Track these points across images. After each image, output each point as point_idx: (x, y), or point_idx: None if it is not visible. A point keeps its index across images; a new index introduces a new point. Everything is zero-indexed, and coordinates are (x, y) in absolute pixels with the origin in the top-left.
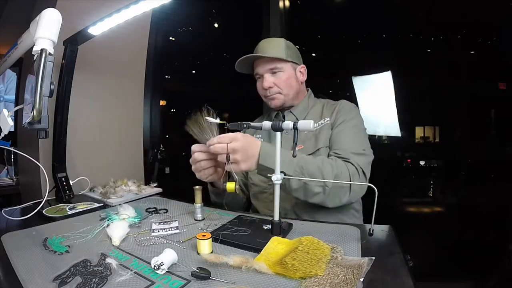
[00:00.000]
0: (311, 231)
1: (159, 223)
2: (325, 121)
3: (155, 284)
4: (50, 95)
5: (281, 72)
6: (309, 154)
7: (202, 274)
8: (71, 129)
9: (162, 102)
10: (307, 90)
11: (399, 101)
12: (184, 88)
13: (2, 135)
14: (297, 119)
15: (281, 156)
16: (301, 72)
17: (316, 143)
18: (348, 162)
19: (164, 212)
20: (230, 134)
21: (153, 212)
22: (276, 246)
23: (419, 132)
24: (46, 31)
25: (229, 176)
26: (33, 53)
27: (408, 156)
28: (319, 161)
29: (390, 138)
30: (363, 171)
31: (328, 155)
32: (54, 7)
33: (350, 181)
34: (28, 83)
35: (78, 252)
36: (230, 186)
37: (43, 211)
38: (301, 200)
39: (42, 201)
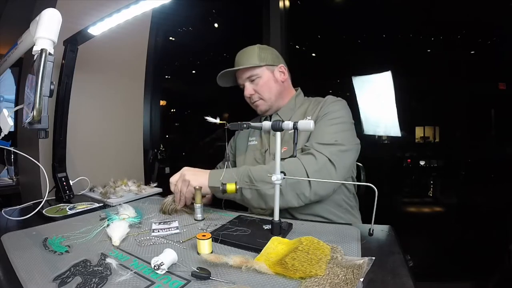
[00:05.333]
0: (311, 231)
1: (159, 223)
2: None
3: (155, 284)
4: (50, 95)
5: (258, 78)
6: (290, 156)
7: (202, 274)
8: (71, 129)
9: (162, 102)
10: (296, 90)
11: (399, 101)
12: (184, 88)
13: (2, 135)
14: (282, 120)
15: (227, 174)
16: (281, 71)
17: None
18: (309, 153)
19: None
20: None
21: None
22: (276, 246)
23: (419, 132)
24: (46, 31)
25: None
26: (33, 53)
27: (408, 156)
28: (267, 166)
29: (390, 138)
30: (329, 159)
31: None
32: (54, 7)
33: (306, 173)
34: (28, 83)
35: (78, 252)
36: (231, 187)
37: (43, 211)
38: (267, 209)
39: (42, 201)
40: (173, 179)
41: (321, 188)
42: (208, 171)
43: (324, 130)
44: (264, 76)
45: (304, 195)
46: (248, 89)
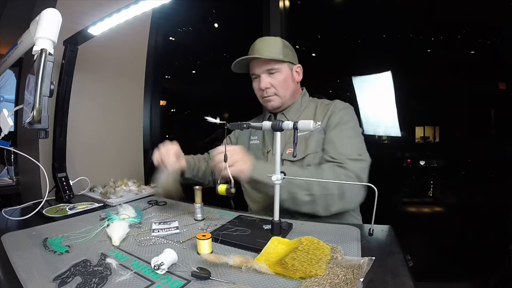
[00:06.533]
0: (311, 231)
1: (159, 223)
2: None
3: (155, 284)
4: (50, 95)
5: (278, 73)
6: (297, 160)
7: (202, 274)
8: (71, 129)
9: (162, 102)
10: (302, 90)
11: (399, 101)
12: (184, 88)
13: (2, 135)
14: (282, 121)
15: (268, 170)
16: (297, 71)
17: (305, 149)
18: (343, 167)
19: (163, 204)
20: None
21: (153, 204)
22: (276, 246)
23: (419, 132)
24: (46, 31)
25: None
26: (33, 53)
27: (408, 156)
28: (306, 174)
29: (390, 138)
30: (358, 176)
31: (322, 159)
32: (54, 7)
33: (342, 189)
34: (28, 83)
35: (78, 252)
36: (221, 188)
37: (43, 211)
38: (292, 210)
39: (42, 201)
40: (218, 151)
41: (349, 204)
42: (250, 159)
43: (348, 143)
44: (284, 72)
45: (332, 207)
46: (265, 81)
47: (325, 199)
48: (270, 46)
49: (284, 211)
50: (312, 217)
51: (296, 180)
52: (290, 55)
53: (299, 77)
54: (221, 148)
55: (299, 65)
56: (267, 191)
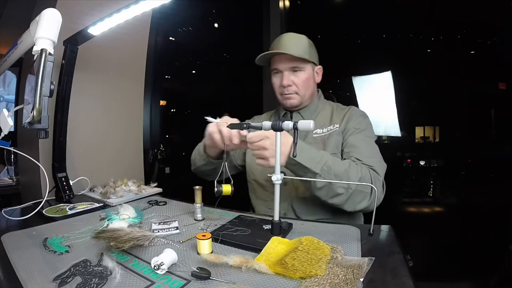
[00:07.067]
0: (311, 231)
1: (159, 223)
2: (334, 127)
3: (155, 284)
4: (50, 95)
5: (301, 72)
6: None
7: (202, 274)
8: (71, 129)
9: (162, 102)
10: (317, 91)
11: (399, 101)
12: (184, 88)
13: (2, 135)
14: (282, 121)
15: (311, 153)
16: (317, 72)
17: (324, 150)
18: (373, 169)
19: (163, 204)
20: (261, 133)
21: (153, 204)
22: (276, 246)
23: (419, 132)
24: (46, 31)
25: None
26: (33, 53)
27: (408, 156)
28: (346, 164)
29: (390, 138)
30: (383, 181)
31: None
32: (54, 7)
33: (372, 188)
34: (28, 83)
35: (78, 252)
36: (227, 189)
37: (43, 211)
38: (322, 200)
39: (42, 201)
40: (259, 136)
41: (373, 204)
42: (291, 141)
43: (371, 148)
44: (308, 72)
45: (360, 204)
46: (288, 79)
47: (358, 195)
48: (297, 43)
49: (289, 210)
50: (335, 212)
51: (337, 171)
52: (314, 55)
53: (318, 78)
54: (254, 138)
55: (320, 66)
56: (304, 174)
